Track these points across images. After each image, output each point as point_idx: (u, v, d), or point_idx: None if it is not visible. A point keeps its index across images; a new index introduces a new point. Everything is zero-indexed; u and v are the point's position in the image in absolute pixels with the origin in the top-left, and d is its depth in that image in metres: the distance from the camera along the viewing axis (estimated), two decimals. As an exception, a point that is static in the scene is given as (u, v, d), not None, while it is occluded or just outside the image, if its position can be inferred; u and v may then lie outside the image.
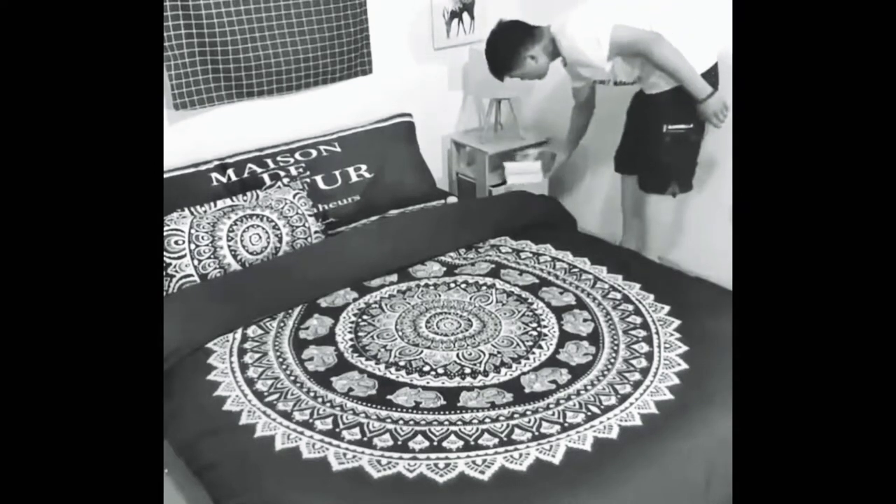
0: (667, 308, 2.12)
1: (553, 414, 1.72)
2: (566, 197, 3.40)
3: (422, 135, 3.11)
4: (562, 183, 3.44)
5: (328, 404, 1.78)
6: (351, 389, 1.83)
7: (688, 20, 2.40)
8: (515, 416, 1.71)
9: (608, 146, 2.83)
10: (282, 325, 2.13)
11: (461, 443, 1.64)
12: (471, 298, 2.23)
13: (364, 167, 2.82)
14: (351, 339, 2.05)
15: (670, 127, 2.46)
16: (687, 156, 2.56)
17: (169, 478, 1.95)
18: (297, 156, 2.75)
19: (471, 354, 1.96)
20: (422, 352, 1.98)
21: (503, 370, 1.89)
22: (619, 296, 2.21)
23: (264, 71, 2.66)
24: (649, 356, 1.92)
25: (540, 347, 1.98)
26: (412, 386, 1.84)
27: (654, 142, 2.51)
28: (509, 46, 2.51)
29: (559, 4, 2.84)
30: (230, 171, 2.63)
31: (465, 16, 3.20)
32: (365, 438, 1.66)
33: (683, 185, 2.60)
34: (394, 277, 2.36)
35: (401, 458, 1.60)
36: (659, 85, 2.44)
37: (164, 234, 2.29)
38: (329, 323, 2.13)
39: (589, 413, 1.71)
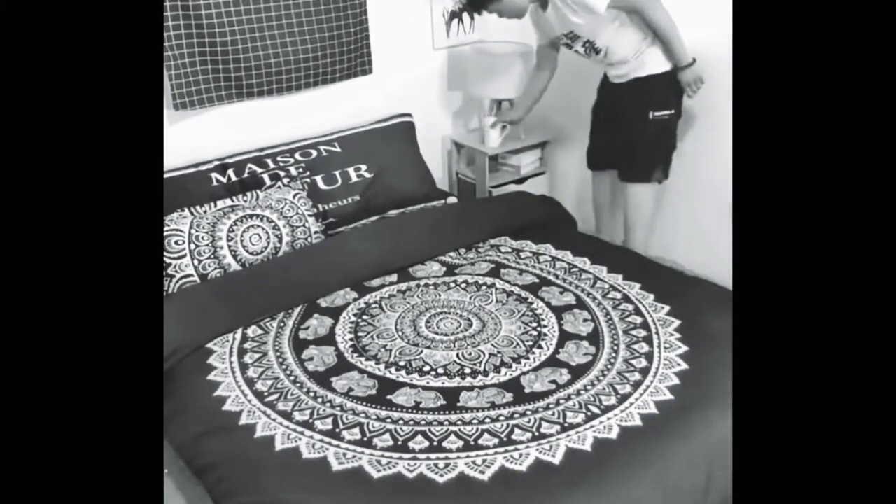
0: (667, 308, 2.12)
1: (553, 414, 1.72)
2: (566, 197, 3.39)
3: (422, 135, 3.10)
4: (562, 182, 3.44)
5: (328, 404, 1.78)
6: (351, 389, 1.83)
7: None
8: (515, 416, 1.71)
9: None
10: (282, 325, 2.13)
11: (461, 443, 1.64)
12: (471, 298, 2.23)
13: (364, 167, 2.82)
14: (351, 339, 2.05)
15: (656, 113, 2.51)
16: (669, 141, 2.62)
17: (169, 478, 1.95)
18: (297, 156, 2.75)
19: (471, 354, 1.96)
20: (422, 352, 1.98)
21: (503, 370, 1.89)
22: (619, 295, 2.21)
23: (264, 71, 2.66)
24: (649, 356, 1.91)
25: (540, 347, 1.98)
26: (412, 386, 1.84)
27: (639, 130, 2.55)
28: None
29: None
30: (230, 171, 2.63)
31: (465, 16, 3.20)
32: (365, 438, 1.66)
33: (666, 171, 2.65)
34: (394, 277, 2.36)
35: (401, 458, 1.60)
36: (646, 66, 2.46)
37: (164, 234, 2.29)
38: (329, 323, 2.13)
39: (589, 413, 1.71)
